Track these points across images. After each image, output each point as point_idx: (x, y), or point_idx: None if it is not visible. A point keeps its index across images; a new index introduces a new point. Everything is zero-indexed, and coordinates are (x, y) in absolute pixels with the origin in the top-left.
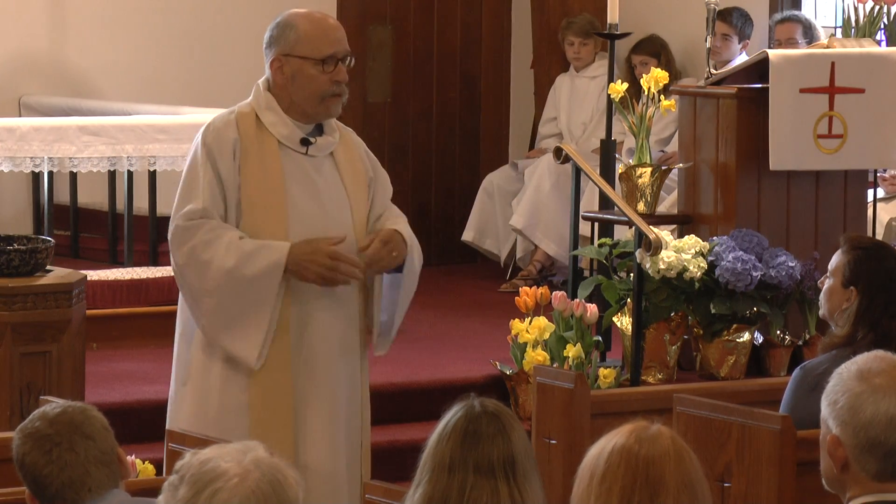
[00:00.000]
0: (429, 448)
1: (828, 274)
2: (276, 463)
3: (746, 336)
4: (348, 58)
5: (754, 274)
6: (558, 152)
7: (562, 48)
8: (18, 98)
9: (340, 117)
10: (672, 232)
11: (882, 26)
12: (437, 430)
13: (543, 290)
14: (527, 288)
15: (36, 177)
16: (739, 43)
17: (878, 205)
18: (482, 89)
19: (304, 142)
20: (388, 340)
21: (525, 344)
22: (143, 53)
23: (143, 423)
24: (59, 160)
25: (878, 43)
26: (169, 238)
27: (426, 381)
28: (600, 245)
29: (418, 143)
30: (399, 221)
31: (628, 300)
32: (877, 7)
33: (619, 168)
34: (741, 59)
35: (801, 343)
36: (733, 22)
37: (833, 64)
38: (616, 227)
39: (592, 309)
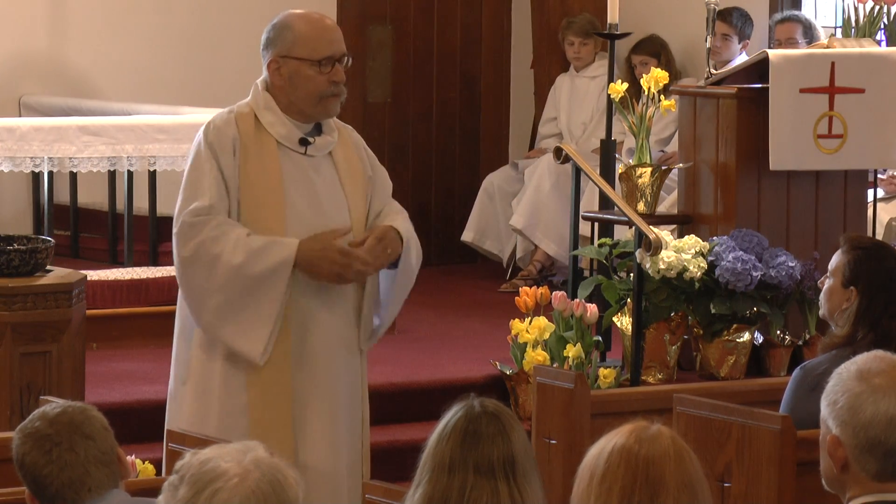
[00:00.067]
0: (429, 448)
1: (828, 274)
2: (276, 463)
3: (746, 336)
4: (345, 58)
5: (754, 274)
6: (558, 152)
7: (562, 48)
8: (18, 98)
9: (340, 117)
10: (672, 232)
11: (882, 26)
12: (437, 431)
13: (543, 290)
14: (527, 288)
15: (36, 177)
16: (739, 43)
17: (878, 205)
18: (482, 89)
19: (303, 142)
20: (375, 337)
21: (525, 344)
22: (143, 53)
23: (143, 423)
24: (59, 160)
25: (878, 43)
26: (174, 234)
27: (426, 381)
28: (600, 245)
29: (418, 143)
30: (398, 218)
31: (628, 300)
32: (877, 7)
33: (619, 168)
34: (741, 59)
35: (801, 343)
36: (733, 22)
37: (833, 64)
38: (616, 227)
39: (592, 309)
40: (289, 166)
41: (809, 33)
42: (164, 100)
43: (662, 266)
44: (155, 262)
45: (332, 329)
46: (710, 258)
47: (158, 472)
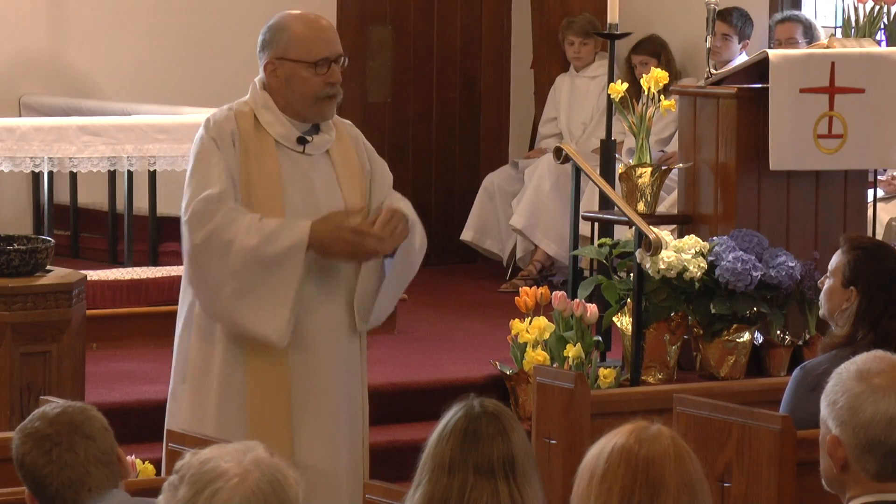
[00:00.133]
0: (428, 448)
1: (828, 274)
2: (276, 463)
3: (746, 336)
4: (342, 58)
5: (754, 274)
6: (558, 152)
7: (562, 48)
8: (18, 98)
9: (340, 115)
10: (672, 232)
11: (882, 26)
12: (437, 431)
13: (543, 290)
14: (527, 288)
15: (36, 177)
16: (739, 43)
17: (878, 205)
18: (482, 89)
19: (301, 140)
20: (374, 319)
21: (525, 344)
22: (143, 53)
23: (143, 423)
24: (59, 160)
25: (878, 43)
26: (184, 222)
27: (426, 381)
28: (600, 245)
29: (418, 143)
30: (400, 205)
31: (628, 300)
32: (877, 7)
33: (619, 168)
34: (741, 59)
35: (801, 343)
36: (733, 22)
37: (833, 64)
38: (616, 227)
39: (592, 309)
40: (287, 165)
41: (809, 33)
42: (164, 100)
43: (662, 266)
44: (155, 262)
45: (331, 317)
46: (710, 258)
47: (158, 472)
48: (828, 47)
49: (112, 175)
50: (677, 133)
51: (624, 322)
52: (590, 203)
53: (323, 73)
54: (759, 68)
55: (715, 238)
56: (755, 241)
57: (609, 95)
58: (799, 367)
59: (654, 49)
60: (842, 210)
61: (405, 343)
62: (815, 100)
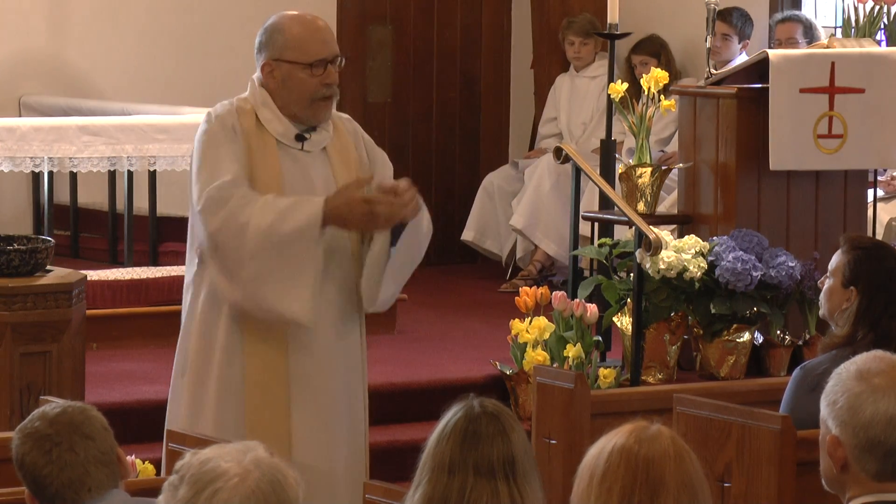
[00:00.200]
0: (428, 448)
1: (828, 274)
2: (276, 463)
3: (746, 336)
4: (338, 59)
5: (754, 274)
6: (558, 152)
7: (562, 48)
8: (18, 98)
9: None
10: (672, 232)
11: (882, 26)
12: (437, 431)
13: (543, 290)
14: (527, 288)
15: (36, 177)
16: (739, 43)
17: (878, 205)
18: (482, 89)
19: (299, 137)
20: (382, 301)
21: (525, 344)
22: (144, 53)
23: (143, 423)
24: (59, 160)
25: (878, 43)
26: (199, 211)
27: (426, 381)
28: (600, 245)
29: (418, 143)
30: None
31: (628, 300)
32: (877, 7)
33: (619, 168)
34: (741, 59)
35: (801, 343)
36: (733, 22)
37: (833, 64)
38: (616, 227)
39: (592, 309)
40: (287, 163)
41: (810, 33)
42: (164, 100)
43: (662, 266)
44: (155, 262)
45: (331, 315)
46: (710, 258)
47: (158, 472)
48: (828, 47)
49: (112, 175)
50: (677, 133)
51: (624, 322)
52: (590, 203)
53: (319, 75)
54: (759, 68)
55: (715, 238)
56: (755, 241)
57: (609, 95)
58: (799, 367)
59: (654, 49)
60: (842, 210)
61: (405, 343)
62: (815, 100)
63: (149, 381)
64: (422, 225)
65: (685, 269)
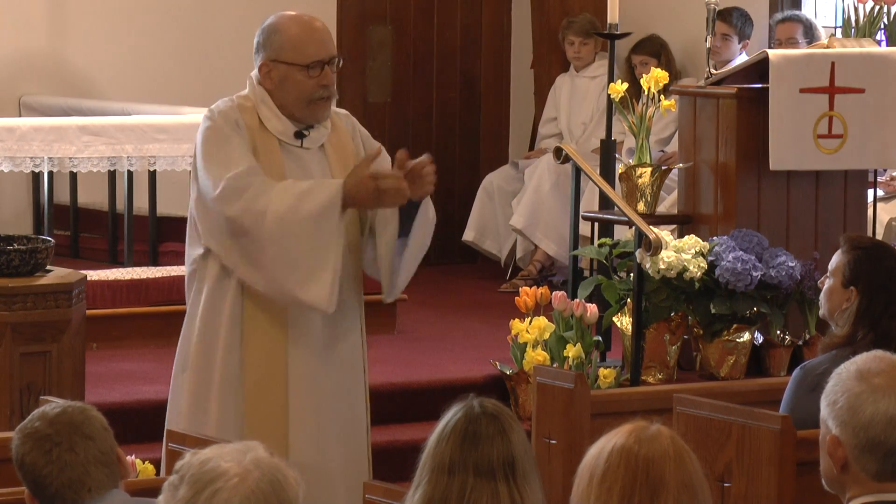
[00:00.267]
0: (428, 449)
1: (828, 274)
2: (276, 463)
3: (746, 336)
4: (335, 60)
5: (754, 274)
6: (558, 152)
7: (562, 48)
8: (18, 98)
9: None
10: (672, 232)
11: (882, 26)
12: (437, 431)
13: (543, 290)
14: (527, 288)
15: (36, 177)
16: (739, 43)
17: (878, 205)
18: (482, 89)
19: (298, 135)
20: (396, 289)
21: (525, 344)
22: (143, 53)
23: (143, 423)
24: (59, 160)
25: (878, 43)
26: (216, 198)
27: (426, 381)
28: (600, 245)
29: (418, 143)
30: None
31: (628, 300)
32: (877, 7)
33: (619, 168)
34: (741, 59)
35: (801, 343)
36: (733, 22)
37: (833, 64)
38: (616, 227)
39: (592, 309)
40: (288, 160)
41: (810, 33)
42: (164, 100)
43: (662, 266)
44: (155, 262)
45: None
46: (710, 258)
47: (158, 472)
48: (828, 47)
49: (112, 175)
50: (677, 133)
51: (624, 322)
52: (590, 203)
53: (316, 76)
54: (759, 68)
55: (715, 238)
56: (755, 241)
57: (609, 95)
58: (799, 367)
59: (654, 49)
60: (842, 210)
61: (405, 343)
62: (815, 100)
63: (149, 381)
64: (428, 211)
65: (685, 269)
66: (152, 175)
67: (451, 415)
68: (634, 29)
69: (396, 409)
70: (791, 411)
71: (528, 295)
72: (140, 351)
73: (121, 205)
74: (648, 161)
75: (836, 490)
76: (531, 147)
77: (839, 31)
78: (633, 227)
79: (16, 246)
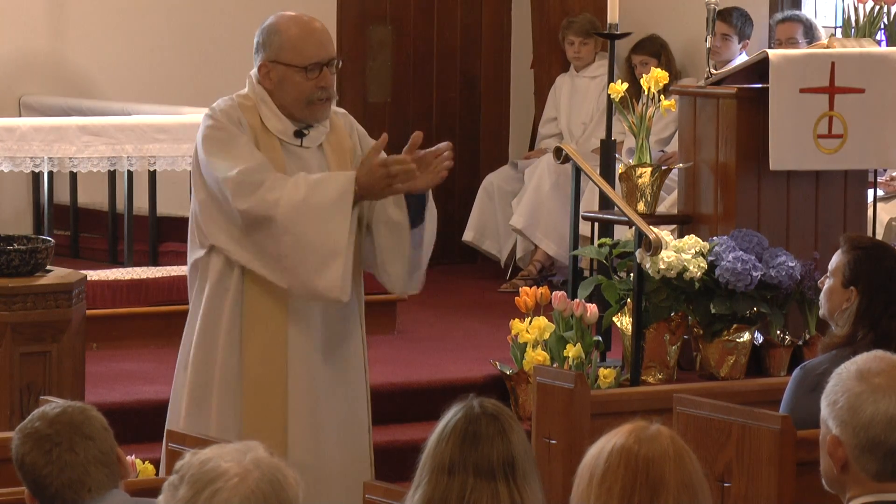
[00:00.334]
0: (428, 449)
1: (828, 274)
2: (276, 463)
3: (746, 336)
4: (334, 62)
5: (754, 274)
6: (558, 152)
7: (562, 48)
8: (18, 98)
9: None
10: (672, 232)
11: (882, 26)
12: (437, 431)
13: (543, 290)
14: (527, 288)
15: (36, 177)
16: (739, 43)
17: (878, 205)
18: (482, 89)
19: (298, 134)
20: (416, 279)
21: (525, 344)
22: (143, 53)
23: (143, 423)
24: (59, 160)
25: (878, 43)
26: (230, 194)
27: (426, 381)
28: (600, 245)
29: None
30: None
31: (628, 300)
32: (877, 7)
33: (619, 168)
34: (741, 59)
35: (801, 343)
36: (733, 22)
37: (833, 64)
38: (616, 227)
39: (592, 309)
40: (289, 160)
41: (810, 33)
42: (164, 100)
43: (662, 266)
44: (155, 262)
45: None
46: (710, 258)
47: (158, 472)
48: (828, 47)
49: (112, 175)
50: (677, 133)
51: (624, 322)
52: (590, 203)
53: (314, 78)
54: (759, 68)
55: (715, 238)
56: (755, 241)
57: (609, 95)
58: (799, 367)
59: (654, 49)
60: (842, 210)
61: (405, 343)
62: (815, 100)
63: (149, 381)
64: (433, 207)
65: (685, 269)
66: (152, 175)
67: (451, 415)
68: (634, 29)
69: (396, 409)
70: (791, 411)
71: (528, 295)
72: (140, 351)
73: (121, 205)
74: (648, 161)
75: (836, 490)
76: (531, 147)
77: (839, 31)
78: (633, 227)
79: (16, 246)
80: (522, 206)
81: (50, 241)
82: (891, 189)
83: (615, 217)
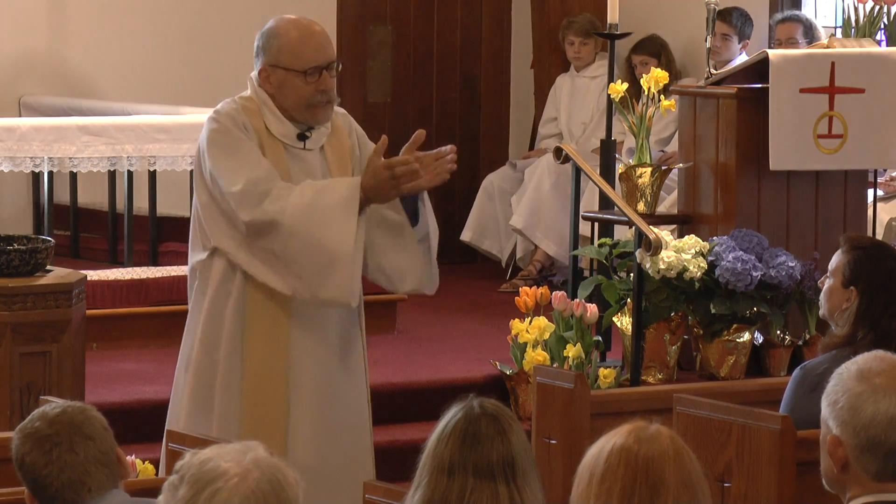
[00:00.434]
0: (428, 449)
1: (828, 274)
2: (276, 463)
3: (746, 336)
4: (334, 65)
5: (754, 274)
6: (558, 152)
7: (562, 48)
8: (18, 98)
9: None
10: (672, 232)
11: (882, 26)
12: (437, 432)
13: (543, 290)
14: (527, 288)
15: (36, 177)
16: (739, 43)
17: (878, 205)
18: (482, 89)
19: (301, 136)
20: (431, 275)
21: (525, 344)
22: (143, 53)
23: (143, 423)
24: (59, 160)
25: (878, 43)
26: (237, 203)
27: (426, 381)
28: (600, 245)
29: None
30: None
31: (628, 300)
32: (877, 7)
33: (619, 168)
34: (741, 59)
35: (801, 343)
36: (733, 22)
37: (833, 64)
38: (616, 227)
39: (592, 309)
40: (293, 163)
41: (810, 33)
42: (164, 100)
43: (662, 266)
44: (155, 262)
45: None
46: (710, 258)
47: (158, 472)
48: (828, 47)
49: (112, 175)
50: (677, 133)
51: (624, 322)
52: (590, 203)
53: (314, 82)
54: (759, 68)
55: (715, 238)
56: (755, 241)
57: (609, 95)
58: (799, 367)
59: (654, 49)
60: (842, 210)
61: (405, 343)
62: (815, 100)
63: (149, 381)
64: (426, 197)
65: (685, 269)
66: (152, 175)
67: (451, 415)
68: (634, 29)
69: (396, 409)
70: (791, 411)
71: (528, 295)
72: (140, 351)
73: (121, 205)
74: (648, 161)
75: (836, 490)
76: (531, 147)
77: (839, 31)
78: (633, 227)
79: (16, 246)
80: (522, 206)
81: (50, 241)
82: (891, 189)
83: (615, 217)
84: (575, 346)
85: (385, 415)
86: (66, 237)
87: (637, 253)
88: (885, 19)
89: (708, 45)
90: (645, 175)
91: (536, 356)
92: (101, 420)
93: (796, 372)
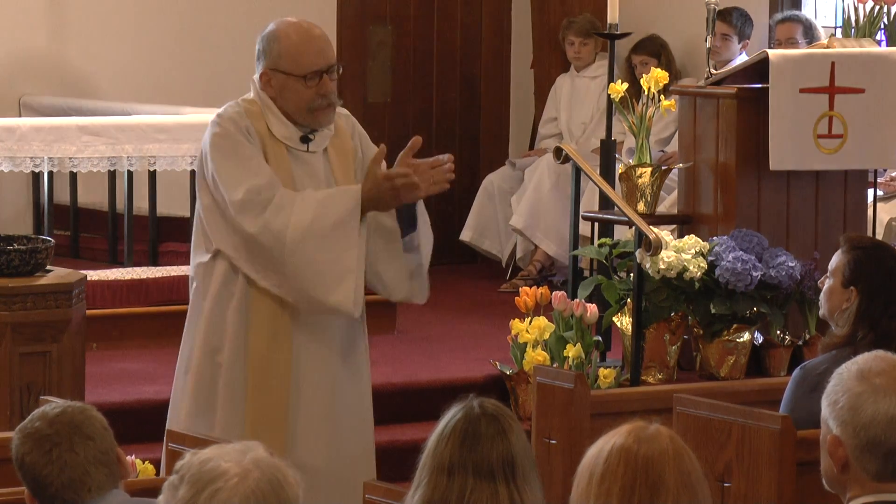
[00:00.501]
0: (428, 449)
1: (828, 274)
2: (276, 463)
3: (746, 336)
4: (334, 68)
5: (754, 274)
6: (558, 152)
7: (562, 48)
8: (18, 98)
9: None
10: (672, 232)
11: (882, 26)
12: (437, 432)
13: (543, 290)
14: (527, 288)
15: (36, 177)
16: (739, 43)
17: (878, 205)
18: (482, 89)
19: (304, 139)
20: (419, 286)
21: (525, 344)
22: (143, 53)
23: (143, 423)
24: (59, 160)
25: (878, 43)
26: (237, 213)
27: (426, 381)
28: (600, 245)
29: None
30: None
31: (628, 300)
32: (877, 7)
33: (619, 168)
34: (741, 59)
35: (801, 343)
36: (733, 22)
37: (833, 64)
38: (616, 227)
39: (592, 309)
40: (296, 166)
41: (810, 33)
42: (164, 100)
43: (662, 266)
44: (155, 262)
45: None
46: (710, 258)
47: (158, 472)
48: (828, 47)
49: (112, 175)
50: (677, 133)
51: (624, 322)
52: (590, 203)
53: (314, 86)
54: (759, 68)
55: (715, 238)
56: (755, 241)
57: (609, 95)
58: (799, 367)
59: (654, 49)
60: (842, 210)
61: (405, 343)
62: (815, 100)
63: (149, 381)
64: (422, 206)
65: (685, 269)
66: (152, 175)
67: (451, 415)
68: (634, 29)
69: (396, 409)
70: (791, 411)
71: (528, 295)
72: (140, 351)
73: (121, 205)
74: (648, 161)
75: (836, 490)
76: (531, 147)
77: (839, 31)
78: (633, 227)
79: (16, 246)
80: (522, 207)
81: (50, 241)
82: (891, 189)
83: (615, 217)
84: (575, 346)
85: (385, 415)
86: (66, 237)
87: (637, 253)
88: (885, 19)
89: (708, 45)
90: (645, 175)
91: (536, 356)
92: (101, 420)
93: (796, 372)
